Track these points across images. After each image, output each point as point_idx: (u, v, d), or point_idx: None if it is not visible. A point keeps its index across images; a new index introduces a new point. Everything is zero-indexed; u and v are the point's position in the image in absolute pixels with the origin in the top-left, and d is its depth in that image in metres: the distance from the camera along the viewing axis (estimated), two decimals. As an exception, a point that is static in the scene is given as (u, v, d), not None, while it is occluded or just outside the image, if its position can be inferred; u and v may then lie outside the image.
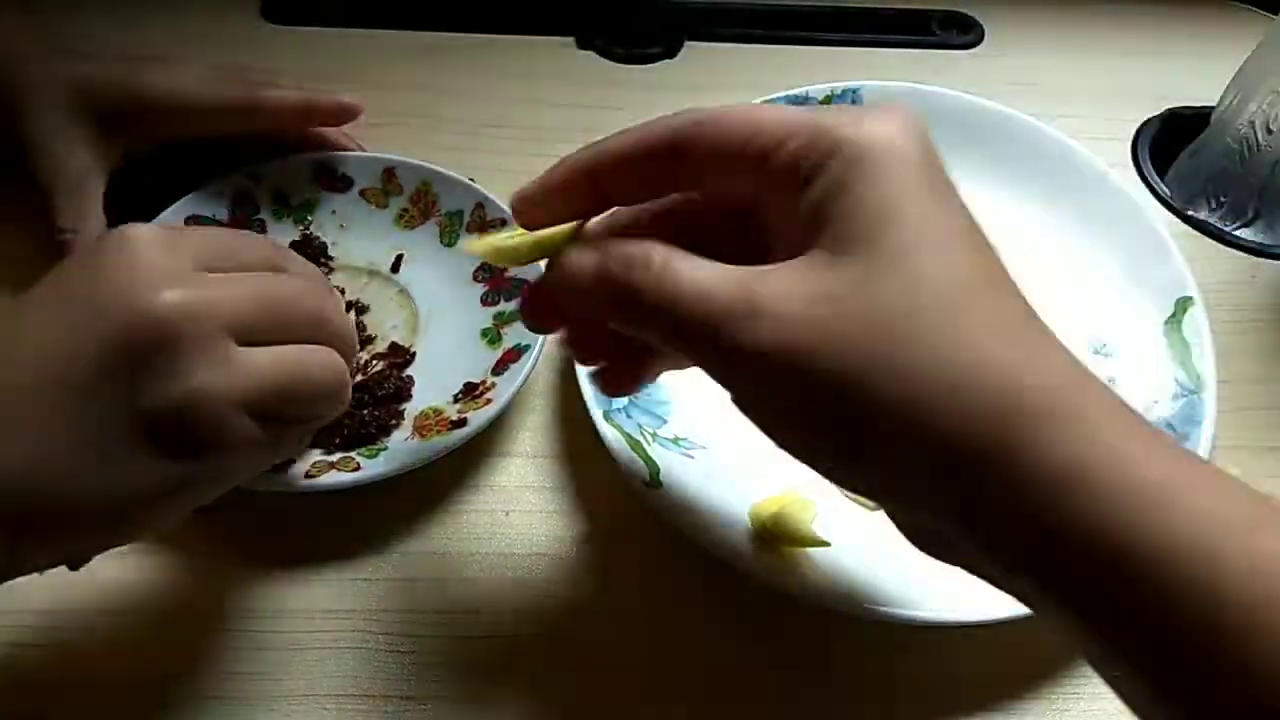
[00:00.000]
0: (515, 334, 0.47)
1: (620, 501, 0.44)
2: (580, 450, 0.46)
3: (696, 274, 0.28)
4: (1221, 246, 0.56)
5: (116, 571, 0.42)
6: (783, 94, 0.56)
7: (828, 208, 0.28)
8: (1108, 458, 0.25)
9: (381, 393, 0.45)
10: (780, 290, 0.27)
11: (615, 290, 0.30)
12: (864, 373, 0.26)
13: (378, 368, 0.47)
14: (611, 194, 0.32)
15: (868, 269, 0.27)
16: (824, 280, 0.27)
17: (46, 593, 0.41)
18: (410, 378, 0.47)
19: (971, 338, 0.26)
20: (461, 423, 0.44)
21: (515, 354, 0.46)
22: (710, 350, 0.28)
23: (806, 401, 0.27)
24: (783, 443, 0.29)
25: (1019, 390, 0.25)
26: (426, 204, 0.52)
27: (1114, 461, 0.25)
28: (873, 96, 0.56)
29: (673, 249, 0.29)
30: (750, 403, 0.29)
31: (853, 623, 0.39)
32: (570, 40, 0.65)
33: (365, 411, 0.45)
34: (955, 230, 0.28)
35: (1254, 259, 0.56)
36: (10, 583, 0.40)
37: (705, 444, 0.45)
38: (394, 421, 0.45)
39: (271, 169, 0.52)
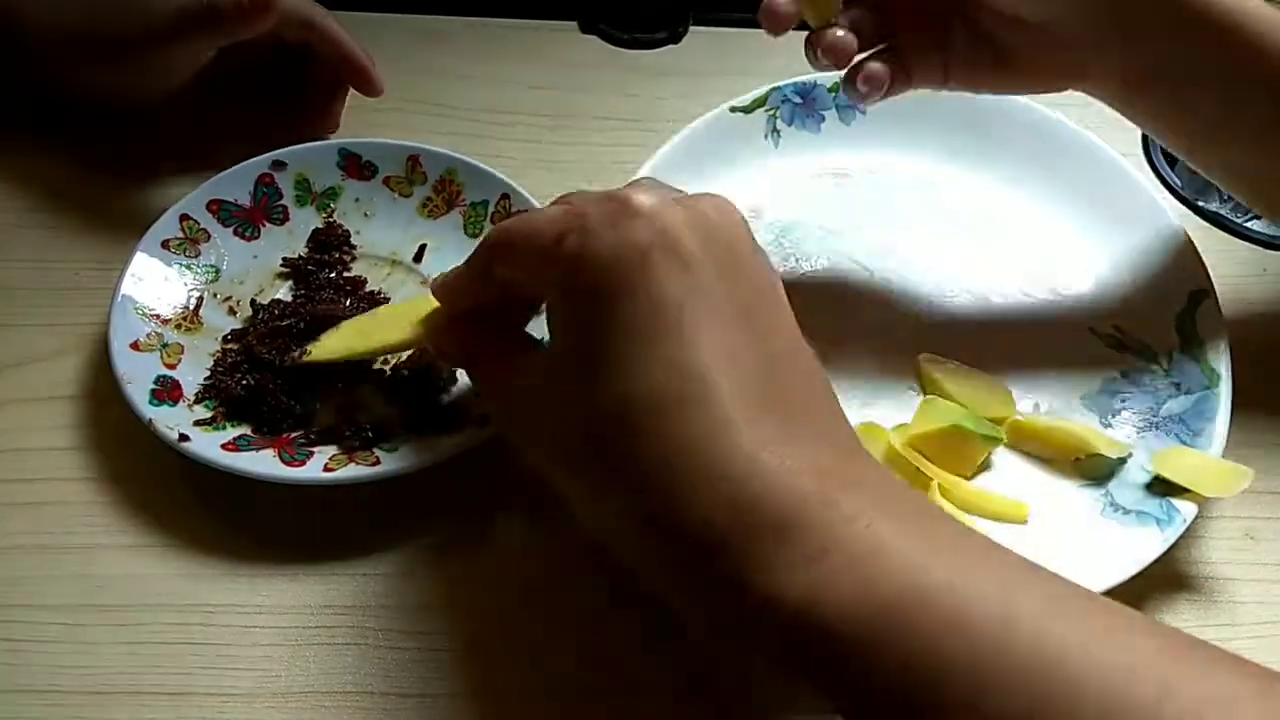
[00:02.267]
0: (536, 328, 0.46)
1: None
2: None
3: (494, 383, 0.37)
4: (1232, 239, 0.55)
5: (116, 566, 0.42)
6: (790, 81, 0.55)
7: (558, 321, 0.33)
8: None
9: (439, 380, 0.46)
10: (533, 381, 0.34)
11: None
12: (593, 458, 0.32)
13: (423, 354, 0.47)
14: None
15: (578, 383, 0.32)
16: (553, 389, 0.33)
17: (47, 590, 0.41)
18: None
19: (662, 456, 0.30)
20: (484, 418, 0.43)
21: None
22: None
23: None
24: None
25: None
26: (451, 193, 0.51)
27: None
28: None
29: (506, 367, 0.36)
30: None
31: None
32: (573, 25, 0.64)
33: (425, 402, 0.45)
34: (676, 326, 0.31)
35: (1265, 251, 0.55)
36: (12, 579, 0.40)
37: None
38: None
39: (296, 155, 0.51)
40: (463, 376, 0.46)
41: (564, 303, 0.33)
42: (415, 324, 0.41)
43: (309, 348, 0.44)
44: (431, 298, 0.39)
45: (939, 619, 0.27)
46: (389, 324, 0.43)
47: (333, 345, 0.44)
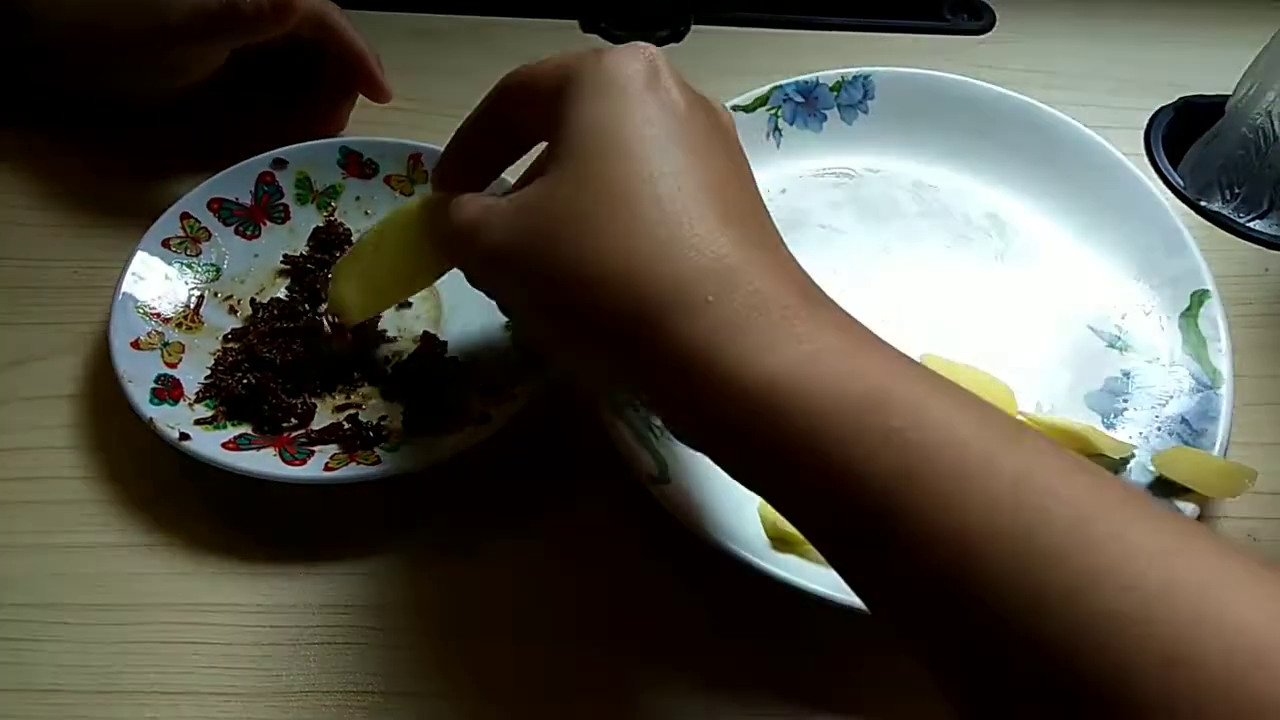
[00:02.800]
0: None
1: (625, 497, 0.43)
2: (584, 445, 0.45)
3: (467, 206, 0.34)
4: (1235, 238, 0.55)
5: (117, 565, 0.42)
6: (792, 80, 0.55)
7: (552, 133, 0.33)
8: (719, 352, 0.28)
9: (440, 379, 0.46)
10: (503, 206, 0.33)
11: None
12: (548, 265, 0.31)
13: (423, 353, 0.47)
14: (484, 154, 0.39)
15: (553, 180, 0.32)
16: (528, 194, 0.32)
17: (47, 588, 0.41)
18: (456, 358, 0.47)
19: (614, 241, 0.30)
20: (485, 418, 0.43)
21: None
22: (462, 259, 0.36)
23: (520, 290, 0.33)
24: (525, 330, 0.37)
25: (647, 282, 0.30)
26: None
27: (727, 356, 0.28)
28: (883, 82, 0.55)
29: (477, 196, 0.35)
30: (499, 300, 0.38)
31: (861, 620, 0.38)
32: (574, 24, 0.63)
33: (427, 401, 0.45)
34: (634, 140, 0.31)
35: (1268, 251, 0.55)
36: (13, 577, 0.40)
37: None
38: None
39: (297, 154, 0.51)
40: (459, 377, 0.46)
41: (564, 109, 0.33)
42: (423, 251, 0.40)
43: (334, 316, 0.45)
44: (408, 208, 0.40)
45: (909, 422, 0.27)
46: (396, 263, 0.42)
47: (360, 303, 0.43)
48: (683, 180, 0.31)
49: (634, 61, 0.33)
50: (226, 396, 0.45)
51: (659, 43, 0.63)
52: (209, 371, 0.46)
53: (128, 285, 0.46)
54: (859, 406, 0.27)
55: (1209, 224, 0.56)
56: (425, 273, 0.42)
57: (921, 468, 0.26)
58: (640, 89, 0.32)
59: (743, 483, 0.30)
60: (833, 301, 0.31)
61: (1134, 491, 0.27)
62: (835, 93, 0.55)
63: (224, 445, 0.42)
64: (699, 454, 0.42)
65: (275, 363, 0.45)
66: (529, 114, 0.35)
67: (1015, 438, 0.27)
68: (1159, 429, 0.45)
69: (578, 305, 0.31)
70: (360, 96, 0.55)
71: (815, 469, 0.27)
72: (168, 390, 0.44)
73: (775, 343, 0.28)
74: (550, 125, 0.33)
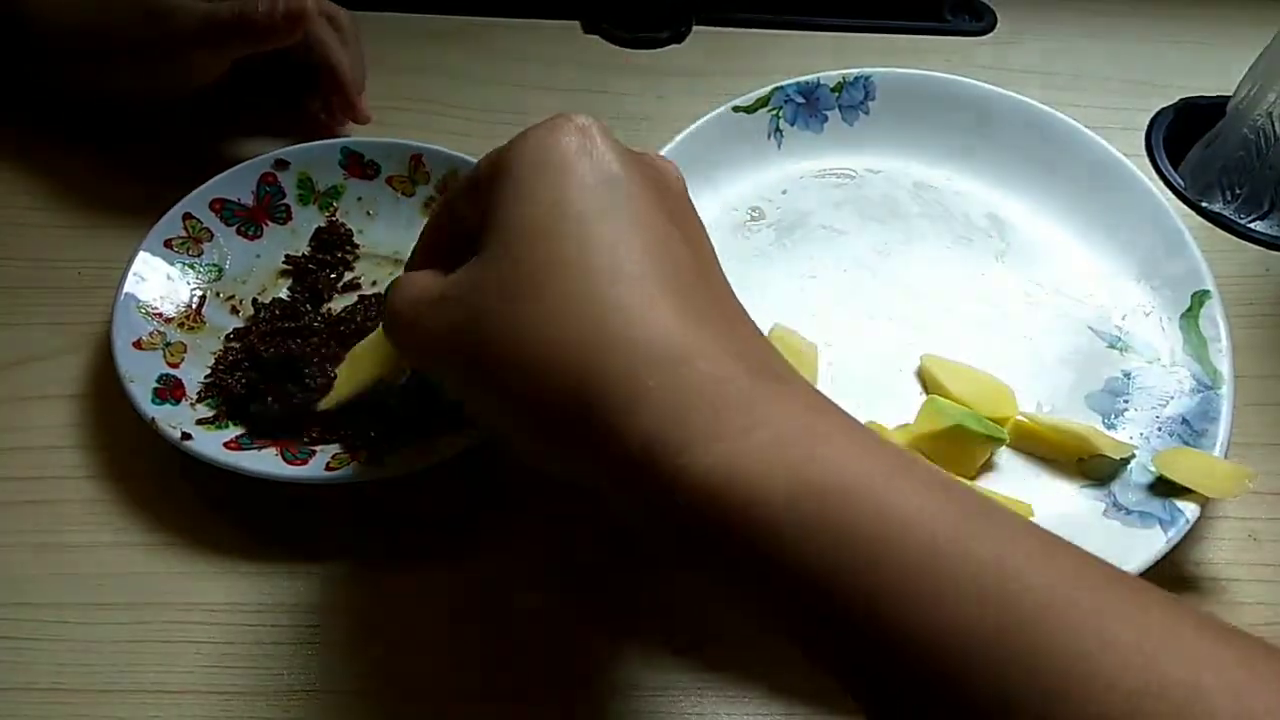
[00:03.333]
0: None
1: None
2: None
3: (402, 290, 0.33)
4: (1235, 239, 0.55)
5: (119, 565, 0.42)
6: (793, 81, 0.55)
7: (482, 220, 0.31)
8: (661, 446, 0.26)
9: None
10: (432, 294, 0.31)
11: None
12: (477, 352, 0.29)
13: None
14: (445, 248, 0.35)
15: (478, 264, 0.30)
16: (452, 281, 0.31)
17: (49, 587, 0.41)
18: None
19: (542, 324, 0.28)
20: None
21: None
22: (398, 346, 0.34)
23: (454, 376, 0.31)
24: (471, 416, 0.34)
25: (581, 370, 0.27)
26: None
27: (669, 450, 0.26)
28: (884, 83, 0.55)
29: (417, 277, 0.33)
30: (444, 386, 0.36)
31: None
32: (576, 24, 0.64)
33: (427, 403, 0.44)
34: (562, 214, 0.29)
35: (1268, 252, 0.55)
36: (14, 577, 0.40)
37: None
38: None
39: (298, 154, 0.51)
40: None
41: (491, 193, 0.31)
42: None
43: (320, 402, 0.43)
44: None
45: (869, 512, 0.25)
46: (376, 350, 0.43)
47: (341, 390, 0.43)
48: (618, 251, 0.28)
49: (561, 134, 0.31)
50: (225, 395, 0.45)
51: (661, 44, 0.63)
52: (209, 370, 0.46)
53: (130, 285, 0.46)
54: (813, 496, 0.25)
55: (1210, 225, 0.56)
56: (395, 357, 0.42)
57: (886, 560, 0.24)
58: (570, 160, 0.30)
59: (706, 581, 0.28)
60: (791, 373, 0.29)
61: (1110, 569, 0.25)
62: (836, 94, 0.55)
63: (225, 445, 0.42)
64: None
65: (273, 362, 0.45)
66: (470, 210, 0.33)
67: (987, 516, 0.25)
68: (1159, 429, 0.45)
69: (512, 394, 0.29)
70: (363, 96, 0.55)
71: (769, 570, 0.25)
72: (169, 390, 0.44)
73: (720, 432, 0.26)
74: (480, 212, 0.31)
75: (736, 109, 0.54)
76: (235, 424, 0.44)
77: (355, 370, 0.43)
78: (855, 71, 0.55)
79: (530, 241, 0.29)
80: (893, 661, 0.24)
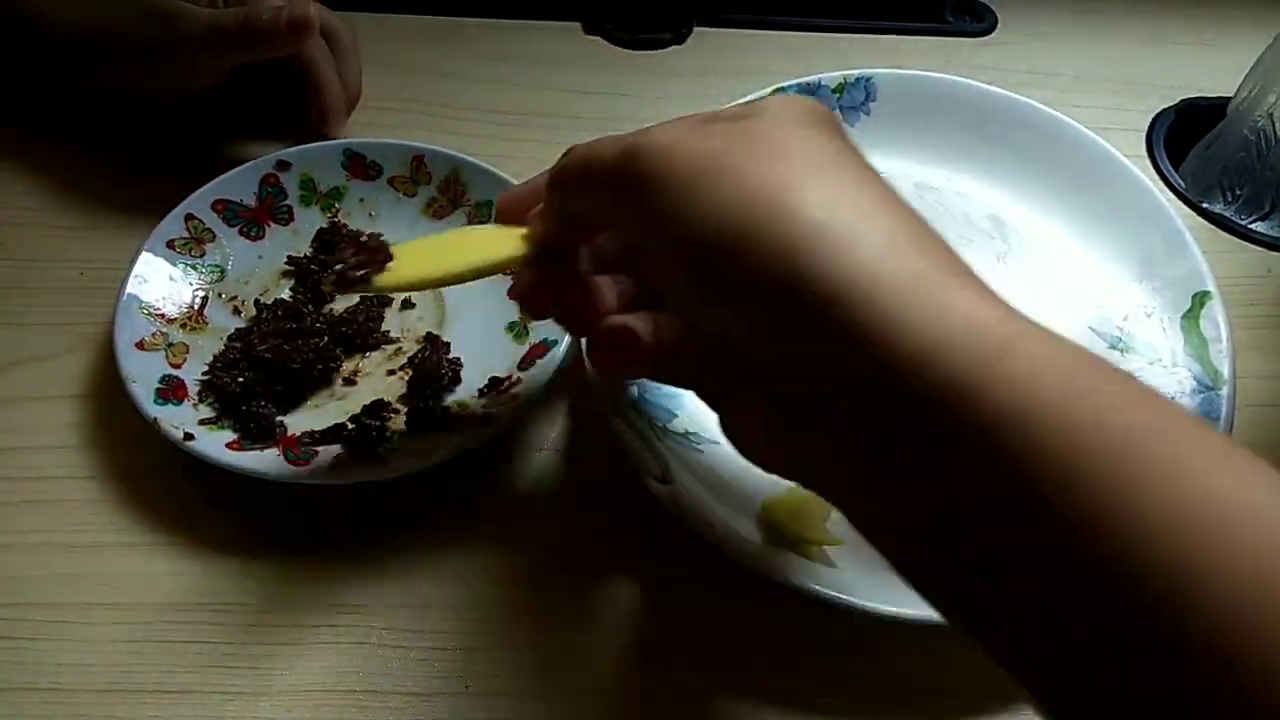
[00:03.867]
0: (542, 329, 0.46)
1: (626, 497, 0.43)
2: (585, 445, 0.46)
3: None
4: (1236, 240, 0.55)
5: (120, 565, 0.42)
6: (794, 81, 0.55)
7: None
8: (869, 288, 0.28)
9: (444, 379, 0.46)
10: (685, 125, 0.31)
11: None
12: (738, 185, 0.30)
13: (427, 353, 0.47)
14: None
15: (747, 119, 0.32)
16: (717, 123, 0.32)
17: (50, 587, 0.41)
18: (460, 359, 0.47)
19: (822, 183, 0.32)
20: (488, 418, 0.43)
21: (542, 349, 0.45)
22: (617, 178, 0.31)
23: (698, 216, 0.29)
24: (658, 277, 0.31)
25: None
26: (455, 194, 0.51)
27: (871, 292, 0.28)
28: (885, 84, 0.55)
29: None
30: (628, 240, 0.33)
31: (865, 621, 0.38)
32: (577, 25, 0.64)
33: (430, 402, 0.45)
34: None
35: (1269, 253, 0.55)
36: (16, 576, 0.40)
37: (715, 438, 0.44)
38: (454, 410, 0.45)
39: (300, 155, 0.52)
40: (463, 378, 0.46)
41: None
42: (503, 242, 0.36)
43: (374, 277, 0.37)
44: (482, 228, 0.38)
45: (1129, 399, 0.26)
46: (460, 249, 0.37)
47: (402, 274, 0.37)
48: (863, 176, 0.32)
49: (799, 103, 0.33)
50: (221, 395, 0.45)
51: (662, 45, 0.63)
52: (206, 368, 0.46)
53: (132, 286, 0.46)
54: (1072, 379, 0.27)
55: (1210, 226, 0.56)
56: (485, 253, 0.36)
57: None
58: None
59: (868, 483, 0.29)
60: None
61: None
62: (837, 94, 0.55)
63: (227, 445, 0.42)
64: (699, 455, 0.43)
65: (271, 361, 0.45)
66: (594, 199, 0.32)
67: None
68: (1160, 430, 0.45)
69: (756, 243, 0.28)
70: (364, 98, 0.55)
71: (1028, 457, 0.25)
72: (172, 390, 0.44)
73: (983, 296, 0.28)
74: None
75: (737, 110, 0.54)
76: (233, 423, 0.44)
77: (427, 260, 0.37)
78: (856, 72, 0.55)
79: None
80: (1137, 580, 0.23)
